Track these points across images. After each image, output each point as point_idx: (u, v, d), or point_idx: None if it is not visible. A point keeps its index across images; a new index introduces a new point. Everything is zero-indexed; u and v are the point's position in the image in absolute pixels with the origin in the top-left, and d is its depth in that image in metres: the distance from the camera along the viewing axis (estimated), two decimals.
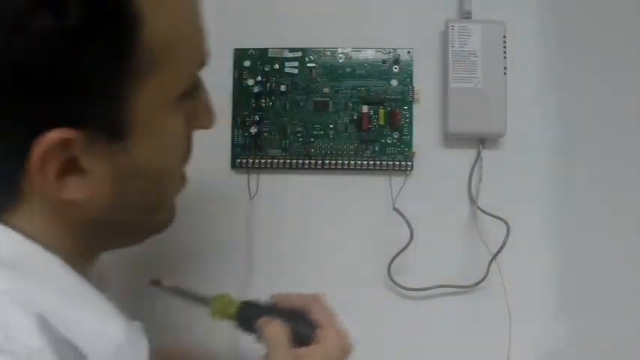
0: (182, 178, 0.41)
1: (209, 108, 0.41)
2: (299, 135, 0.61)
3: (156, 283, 0.46)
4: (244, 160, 0.61)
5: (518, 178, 0.60)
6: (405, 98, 0.61)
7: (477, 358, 0.59)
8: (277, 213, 0.61)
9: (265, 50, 0.62)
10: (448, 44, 0.58)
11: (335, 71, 0.61)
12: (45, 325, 0.31)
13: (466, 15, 0.60)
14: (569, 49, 0.61)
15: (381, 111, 0.60)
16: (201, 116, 0.40)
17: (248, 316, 0.43)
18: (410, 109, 0.61)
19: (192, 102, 0.38)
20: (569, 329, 0.58)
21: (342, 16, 0.63)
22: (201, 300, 0.45)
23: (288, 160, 0.61)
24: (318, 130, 0.61)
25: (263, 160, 0.61)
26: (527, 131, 0.60)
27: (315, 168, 0.61)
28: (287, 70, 0.62)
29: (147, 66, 0.32)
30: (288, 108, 0.61)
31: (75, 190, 0.33)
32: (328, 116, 0.61)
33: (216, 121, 0.42)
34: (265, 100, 0.62)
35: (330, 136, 0.61)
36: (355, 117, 0.61)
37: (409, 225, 0.57)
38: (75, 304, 0.34)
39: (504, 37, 0.58)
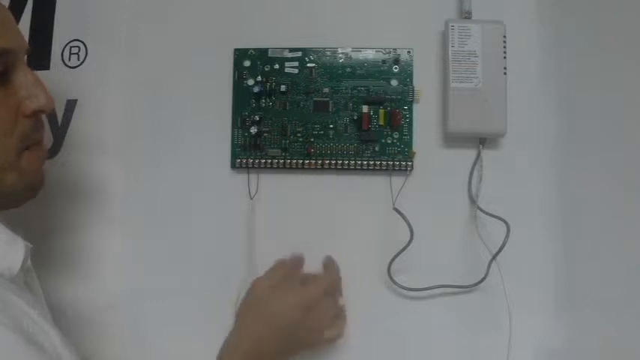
0: (19, 156, 0.45)
1: (35, 89, 0.45)
2: (299, 135, 0.61)
3: None
4: (244, 160, 0.61)
5: (518, 178, 0.60)
6: (405, 98, 0.61)
7: (477, 358, 0.59)
8: (277, 213, 0.61)
9: (265, 50, 0.62)
10: (448, 44, 0.58)
11: (335, 71, 0.61)
12: None
13: (466, 15, 0.60)
14: (569, 49, 0.61)
15: (381, 111, 0.60)
16: (26, 97, 0.45)
17: None
18: (410, 109, 0.61)
19: (6, 86, 0.44)
20: (569, 329, 0.58)
21: (342, 16, 0.63)
22: None
23: (288, 160, 0.61)
24: (318, 130, 0.61)
25: (263, 160, 0.61)
26: (527, 131, 0.60)
27: (315, 168, 0.61)
28: (287, 70, 0.62)
29: None
30: (288, 108, 0.61)
31: None
32: (328, 116, 0.61)
33: (50, 102, 0.46)
34: (265, 100, 0.62)
35: (330, 136, 0.61)
36: (355, 117, 0.61)
37: (409, 225, 0.57)
38: None
39: (504, 37, 0.58)
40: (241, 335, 0.51)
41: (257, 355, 0.50)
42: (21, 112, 0.45)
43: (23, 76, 0.45)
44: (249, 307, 0.53)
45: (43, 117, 0.62)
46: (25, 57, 0.47)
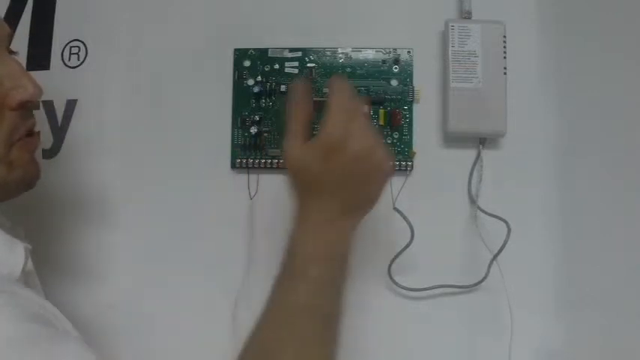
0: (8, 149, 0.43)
1: (20, 79, 0.43)
2: None
3: None
4: (244, 160, 0.61)
5: (518, 178, 0.60)
6: (405, 98, 0.61)
7: (477, 358, 0.59)
8: (277, 213, 0.60)
9: (265, 50, 0.62)
10: (448, 44, 0.58)
11: (335, 71, 0.61)
12: None
13: (466, 15, 0.60)
14: (569, 49, 0.61)
15: (381, 111, 0.60)
16: (11, 88, 0.42)
17: None
18: (410, 109, 0.61)
19: None
20: (570, 329, 0.58)
21: (342, 16, 0.63)
22: None
23: None
24: (319, 130, 0.61)
25: (263, 160, 0.61)
26: (527, 131, 0.60)
27: None
28: (287, 70, 0.62)
29: None
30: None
31: None
32: None
33: (38, 90, 0.43)
34: (265, 100, 0.62)
35: None
36: None
37: (410, 225, 0.57)
38: None
39: (504, 37, 0.58)
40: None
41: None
42: (7, 105, 0.42)
43: (5, 65, 0.42)
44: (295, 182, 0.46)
45: (42, 114, 0.63)
46: (8, 42, 0.44)
